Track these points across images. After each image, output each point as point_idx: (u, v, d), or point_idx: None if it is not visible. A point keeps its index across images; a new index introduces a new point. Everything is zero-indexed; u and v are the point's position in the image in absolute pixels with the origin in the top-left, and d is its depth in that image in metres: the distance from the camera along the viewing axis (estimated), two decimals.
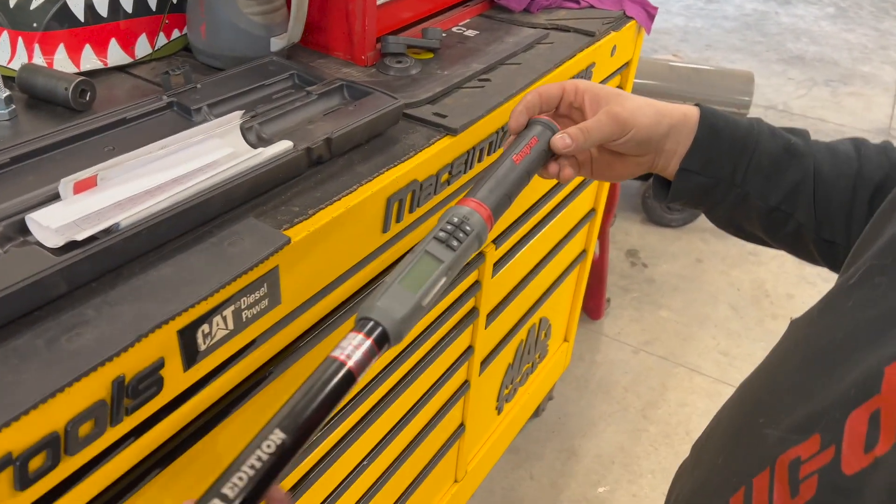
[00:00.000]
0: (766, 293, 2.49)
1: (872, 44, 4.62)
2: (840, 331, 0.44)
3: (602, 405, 2.04)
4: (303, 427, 0.43)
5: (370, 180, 0.80)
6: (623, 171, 0.72)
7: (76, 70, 0.91)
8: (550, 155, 0.68)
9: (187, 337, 0.62)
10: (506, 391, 1.54)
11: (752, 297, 2.47)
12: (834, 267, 0.63)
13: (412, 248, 0.57)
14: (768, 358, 0.52)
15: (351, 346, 0.46)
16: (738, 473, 0.47)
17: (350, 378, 0.46)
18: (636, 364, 2.18)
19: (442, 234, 0.54)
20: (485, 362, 1.33)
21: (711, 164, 0.67)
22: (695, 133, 0.67)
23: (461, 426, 1.35)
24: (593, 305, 2.27)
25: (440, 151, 0.90)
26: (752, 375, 0.54)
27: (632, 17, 1.33)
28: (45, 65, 0.89)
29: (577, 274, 1.70)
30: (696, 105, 0.69)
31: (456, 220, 0.55)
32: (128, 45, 0.95)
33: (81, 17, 0.90)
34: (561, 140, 0.67)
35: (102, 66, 0.94)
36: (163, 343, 0.60)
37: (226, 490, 0.39)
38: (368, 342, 0.47)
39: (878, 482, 0.36)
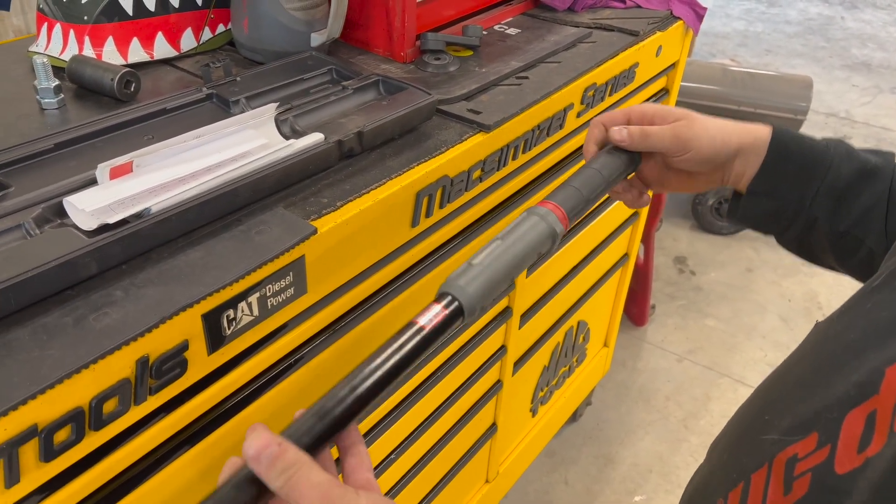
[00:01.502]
0: (819, 305, 2.40)
1: None
2: (853, 332, 0.44)
3: (642, 413, 2.00)
4: (379, 379, 0.50)
5: (400, 174, 0.80)
6: (696, 187, 0.74)
7: (123, 62, 0.94)
8: (630, 167, 0.72)
9: (212, 321, 0.63)
10: (541, 393, 1.52)
11: (803, 309, 2.39)
12: None
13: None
14: (786, 359, 0.51)
15: (430, 315, 0.54)
16: (739, 470, 0.47)
17: (425, 341, 0.53)
18: (679, 373, 2.13)
19: (518, 229, 0.61)
20: (518, 363, 1.32)
21: (779, 187, 0.65)
22: (764, 155, 0.66)
23: (493, 426, 1.35)
24: (637, 311, 2.24)
25: (473, 148, 0.89)
26: (768, 376, 0.53)
27: (679, 18, 1.31)
28: (95, 57, 0.93)
29: (618, 278, 1.67)
30: (772, 126, 0.68)
31: (535, 217, 0.62)
32: (174, 39, 0.98)
33: (130, 11, 0.93)
34: (618, 132, 0.70)
35: (149, 59, 0.97)
36: (187, 326, 0.61)
37: (313, 414, 0.48)
38: (445, 313, 0.54)
39: (866, 482, 0.35)
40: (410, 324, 0.53)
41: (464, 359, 1.11)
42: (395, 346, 0.52)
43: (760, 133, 0.66)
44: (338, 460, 0.52)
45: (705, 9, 1.35)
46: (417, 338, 0.52)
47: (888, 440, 0.35)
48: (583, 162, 0.75)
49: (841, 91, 3.86)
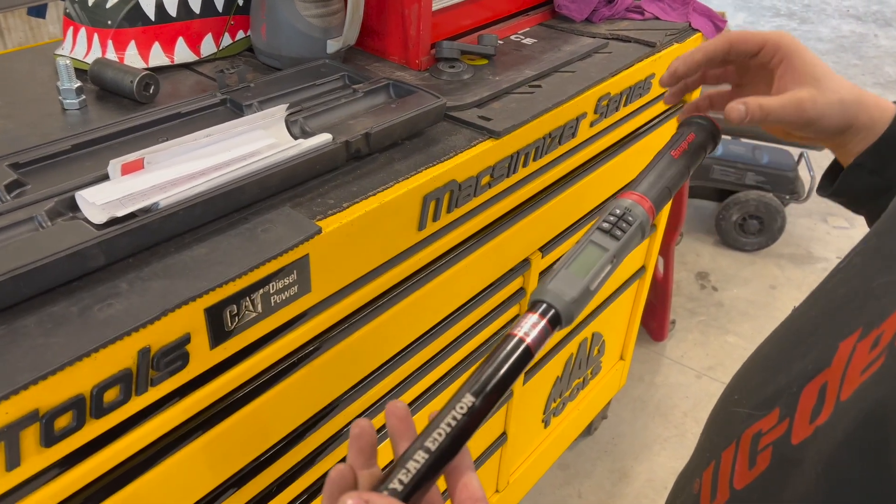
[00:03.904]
0: None
1: None
2: (815, 310, 0.45)
3: (658, 429, 1.98)
4: (490, 393, 0.47)
5: (407, 178, 0.81)
6: (798, 139, 0.68)
7: (145, 66, 0.97)
8: (707, 152, 0.68)
9: (214, 315, 0.65)
10: (553, 405, 1.52)
11: None
12: None
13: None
14: (762, 342, 0.52)
15: (528, 325, 0.50)
16: (711, 450, 0.47)
17: (528, 353, 0.50)
18: (698, 389, 2.10)
19: (605, 224, 0.57)
20: (529, 372, 1.32)
21: (890, 166, 0.61)
22: (883, 132, 0.61)
23: (503, 434, 1.34)
24: (656, 326, 2.22)
25: (481, 153, 0.90)
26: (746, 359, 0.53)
27: (697, 30, 1.30)
28: (118, 60, 0.95)
29: (635, 290, 1.66)
30: None
31: (619, 211, 0.58)
32: (194, 44, 1.01)
33: (152, 17, 0.96)
34: (736, 111, 0.61)
35: (169, 63, 0.99)
36: (190, 319, 0.63)
37: (428, 444, 0.45)
38: (543, 322, 0.51)
39: (816, 452, 0.36)
40: (509, 336, 0.50)
41: (473, 365, 1.11)
42: (499, 359, 0.48)
43: (885, 111, 0.61)
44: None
45: (725, 21, 1.35)
46: (520, 350, 0.49)
47: (834, 409, 0.36)
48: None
49: None
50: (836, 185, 0.64)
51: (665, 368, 2.17)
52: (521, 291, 1.17)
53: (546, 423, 1.53)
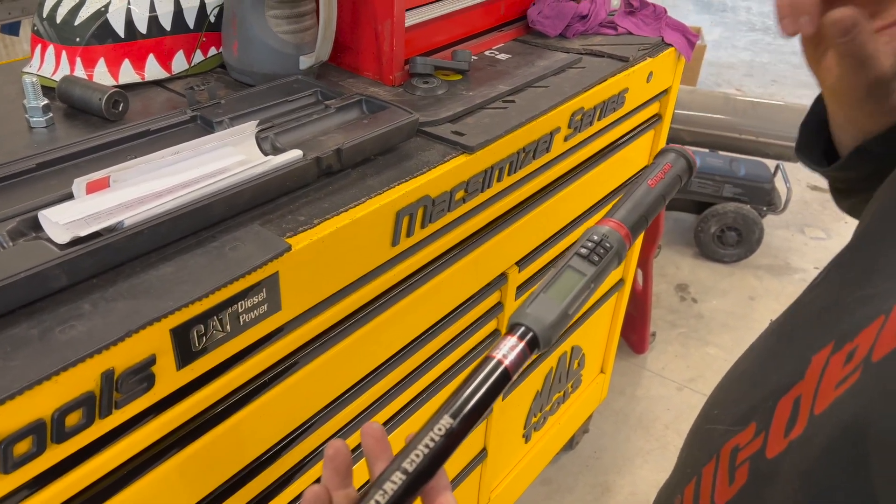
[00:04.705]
0: None
1: None
2: (791, 323, 0.45)
3: (640, 441, 1.97)
4: (468, 415, 0.47)
5: (379, 193, 0.81)
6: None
7: (114, 83, 0.96)
8: (682, 182, 0.68)
9: (180, 336, 0.64)
10: (534, 419, 1.51)
11: None
12: None
13: (555, 262, 0.59)
14: (740, 357, 0.52)
15: (507, 348, 0.51)
16: (693, 465, 0.47)
17: (506, 375, 0.50)
18: (679, 401, 2.10)
19: (583, 250, 0.58)
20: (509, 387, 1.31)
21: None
22: None
23: (483, 451, 1.33)
24: (637, 339, 2.22)
25: (455, 168, 0.90)
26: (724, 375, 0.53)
27: (670, 45, 1.32)
28: (86, 77, 0.94)
29: (614, 303, 1.66)
30: None
31: (596, 237, 0.59)
32: (165, 61, 1.00)
33: (122, 34, 0.95)
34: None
35: (140, 80, 0.98)
36: (155, 340, 0.62)
37: (405, 465, 0.45)
38: (522, 345, 0.51)
39: (790, 465, 0.36)
40: (487, 358, 0.51)
41: (451, 381, 1.10)
42: (477, 381, 0.49)
43: None
44: None
45: (697, 36, 1.36)
46: (498, 372, 0.49)
47: (808, 423, 0.36)
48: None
49: None
50: (843, 161, 0.56)
51: (646, 381, 2.17)
52: (498, 306, 1.16)
53: (527, 437, 1.52)
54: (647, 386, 2.16)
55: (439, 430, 0.46)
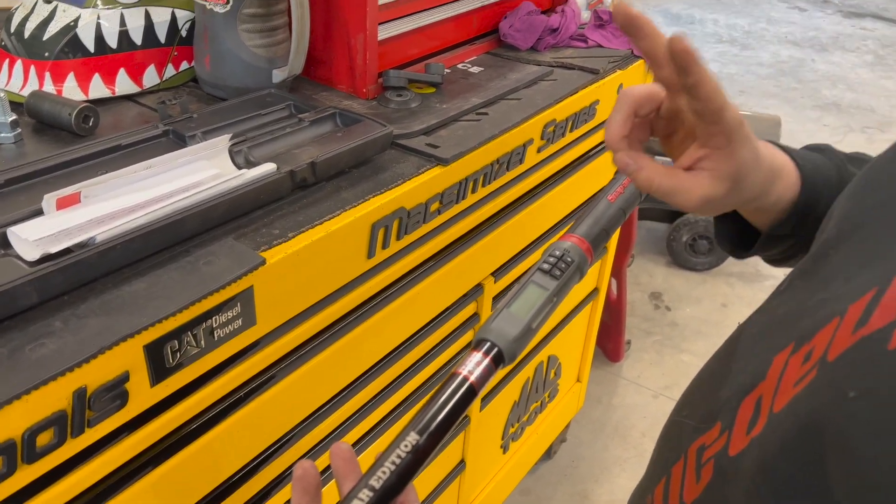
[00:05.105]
0: None
1: None
2: (756, 327, 0.46)
3: (618, 450, 1.99)
4: (434, 431, 0.48)
5: (354, 206, 0.81)
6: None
7: (85, 98, 0.95)
8: (642, 197, 0.68)
9: (154, 352, 0.63)
10: (512, 429, 1.51)
11: None
12: None
13: (520, 278, 0.59)
14: (709, 359, 0.53)
15: (472, 364, 0.52)
16: (663, 465, 0.48)
17: (472, 391, 0.51)
18: (655, 409, 2.12)
19: (545, 265, 0.60)
20: (486, 398, 1.32)
21: (804, 227, 0.57)
22: (792, 205, 0.58)
23: (461, 462, 1.33)
24: (612, 347, 2.24)
25: (430, 180, 0.90)
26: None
27: (640, 56, 1.34)
28: (56, 92, 0.93)
29: (588, 312, 1.68)
30: (793, 160, 0.58)
31: (558, 253, 0.60)
32: (136, 75, 0.99)
33: (92, 48, 0.94)
34: (647, 183, 0.53)
35: (111, 95, 0.97)
36: (128, 357, 0.61)
37: (372, 482, 0.45)
38: (487, 360, 0.52)
39: (751, 461, 0.37)
40: (454, 375, 0.52)
41: (429, 392, 1.10)
42: (443, 398, 0.50)
43: (793, 180, 0.57)
44: None
45: None
46: (464, 388, 0.51)
47: (768, 421, 0.37)
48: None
49: (813, 130, 3.94)
50: (753, 251, 0.62)
51: (622, 389, 2.19)
52: (475, 317, 1.17)
53: (505, 448, 1.52)
54: (623, 394, 2.17)
55: (406, 446, 0.47)
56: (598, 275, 1.64)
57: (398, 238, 0.89)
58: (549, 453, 1.90)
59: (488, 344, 0.53)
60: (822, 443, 0.32)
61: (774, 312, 0.45)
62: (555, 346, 1.54)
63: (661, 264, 2.77)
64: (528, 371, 1.46)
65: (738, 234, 0.63)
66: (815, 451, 0.32)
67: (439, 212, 0.95)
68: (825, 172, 0.58)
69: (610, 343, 2.22)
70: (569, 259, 0.59)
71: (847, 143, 3.79)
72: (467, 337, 1.16)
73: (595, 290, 1.65)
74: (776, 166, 0.55)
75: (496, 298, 1.19)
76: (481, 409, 1.31)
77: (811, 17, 5.86)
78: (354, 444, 0.98)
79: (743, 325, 0.50)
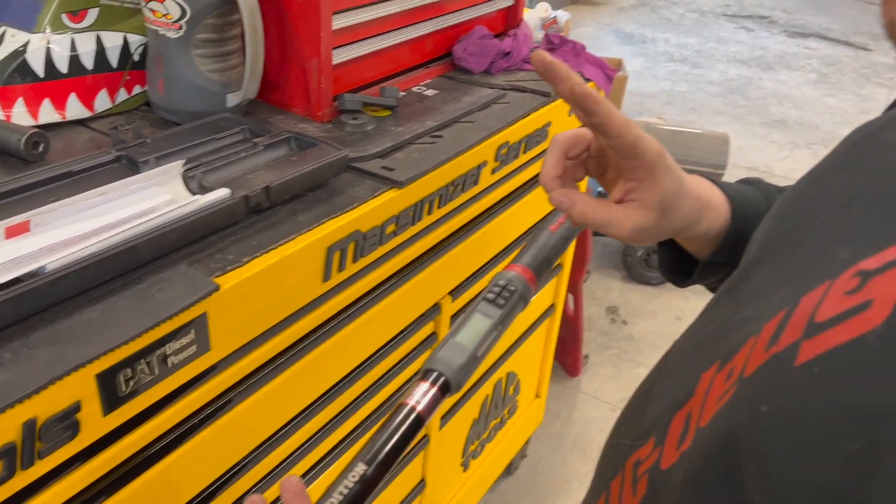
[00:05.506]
0: None
1: (854, 108, 4.72)
2: (688, 343, 0.48)
3: (577, 464, 2.01)
4: (382, 462, 0.49)
5: (310, 229, 0.82)
6: None
7: (34, 123, 0.94)
8: (583, 226, 0.71)
9: (107, 381, 0.63)
10: (472, 447, 1.52)
11: None
12: None
13: (457, 314, 0.61)
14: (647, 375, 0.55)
15: (419, 394, 0.54)
16: (603, 480, 0.50)
17: (419, 421, 0.53)
18: (613, 422, 2.15)
19: (490, 294, 0.61)
20: (445, 417, 1.32)
21: (737, 254, 0.58)
22: (724, 234, 0.61)
23: (422, 481, 1.33)
24: (570, 362, 2.27)
25: (385, 203, 0.92)
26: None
27: (590, 79, 1.38)
28: (4, 118, 0.92)
29: (546, 328, 1.70)
30: (723, 191, 0.61)
31: (502, 282, 0.62)
32: (88, 100, 0.99)
33: (41, 73, 0.93)
34: (581, 217, 0.56)
35: (61, 120, 0.97)
36: (79, 386, 0.60)
37: None
38: (434, 390, 0.54)
39: (680, 475, 0.38)
40: (401, 406, 0.53)
41: (386, 414, 1.10)
42: (391, 428, 0.51)
43: (725, 210, 0.60)
44: None
45: (615, 70, 1.43)
46: (411, 418, 0.52)
47: (695, 436, 0.39)
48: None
49: (760, 146, 4.07)
50: (693, 279, 0.66)
51: (581, 403, 2.22)
52: (433, 336, 1.18)
53: (465, 466, 1.53)
54: (582, 408, 2.20)
55: (353, 476, 0.48)
56: (554, 291, 1.67)
57: (354, 261, 0.90)
58: (509, 470, 1.91)
59: (435, 374, 0.55)
60: (738, 456, 0.34)
61: (704, 329, 0.47)
62: (513, 362, 1.55)
63: (616, 279, 2.82)
64: (487, 388, 1.47)
65: (677, 263, 0.66)
66: (734, 465, 0.34)
67: (395, 234, 0.96)
68: (754, 202, 0.61)
69: (568, 358, 2.25)
70: (512, 288, 0.61)
71: (793, 159, 3.93)
72: (425, 356, 1.17)
73: (552, 307, 1.68)
74: (704, 197, 0.58)
75: (454, 317, 1.21)
76: (440, 427, 1.32)
77: (758, 37, 6.06)
78: (313, 466, 0.98)
79: (677, 341, 0.52)
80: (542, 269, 0.65)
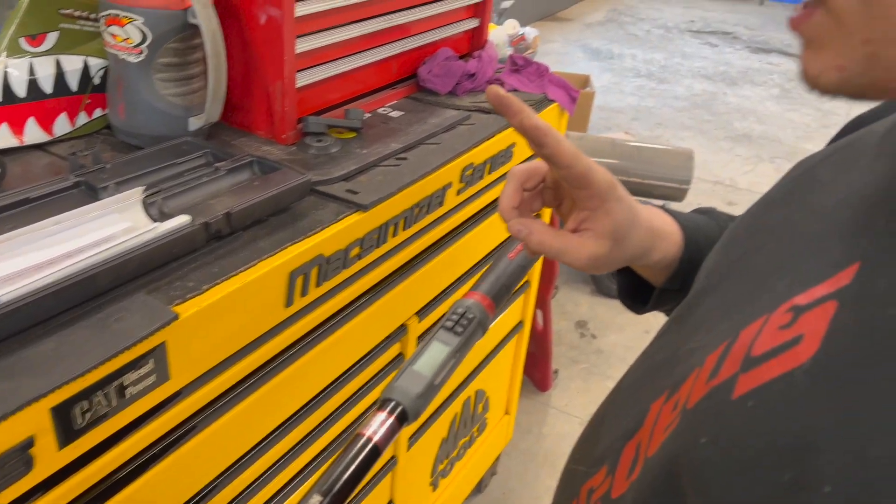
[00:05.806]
0: None
1: (815, 123, 4.84)
2: (639, 372, 0.49)
3: (548, 479, 2.01)
4: (338, 493, 0.49)
5: (271, 255, 0.82)
6: None
7: None
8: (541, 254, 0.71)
9: (62, 414, 0.62)
10: (441, 466, 1.52)
11: None
12: None
13: (424, 335, 0.61)
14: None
15: (377, 424, 0.54)
16: None
17: (375, 451, 0.53)
18: None
19: (449, 322, 0.62)
20: (413, 437, 1.32)
21: (689, 282, 0.59)
22: (678, 262, 0.62)
23: (390, 502, 1.33)
24: (540, 377, 2.28)
25: (350, 227, 0.92)
26: None
27: (554, 101, 1.39)
28: None
29: (514, 345, 1.71)
30: (677, 221, 0.63)
31: (461, 310, 0.63)
32: (46, 124, 0.98)
33: None
34: (538, 246, 0.57)
35: (19, 144, 0.95)
36: (33, 421, 0.59)
37: None
38: (391, 419, 0.54)
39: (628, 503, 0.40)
40: (358, 436, 0.53)
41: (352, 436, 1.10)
42: (347, 459, 0.52)
43: (677, 238, 0.62)
44: None
45: (578, 91, 1.45)
46: (367, 449, 0.53)
47: (643, 465, 0.40)
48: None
49: (725, 160, 4.15)
50: (649, 307, 0.67)
51: (551, 418, 2.23)
52: (400, 357, 1.18)
53: (434, 485, 1.52)
54: (553, 423, 2.21)
55: None
56: (522, 308, 1.68)
57: (317, 285, 0.90)
58: (479, 487, 1.91)
59: (392, 403, 0.55)
60: (681, 485, 0.35)
61: (653, 359, 0.48)
62: (482, 380, 1.56)
63: (585, 293, 2.84)
64: (455, 407, 1.47)
65: (635, 290, 0.68)
66: (678, 494, 0.35)
67: (360, 257, 0.96)
68: (707, 231, 0.63)
69: (538, 373, 2.26)
70: (471, 316, 0.62)
71: (758, 173, 4.01)
72: (392, 376, 1.17)
73: (520, 324, 1.69)
74: (656, 226, 0.60)
75: (420, 338, 1.21)
76: (409, 448, 1.31)
77: (722, 53, 6.18)
78: (277, 493, 0.97)
79: (629, 369, 0.53)
80: (501, 297, 0.66)
